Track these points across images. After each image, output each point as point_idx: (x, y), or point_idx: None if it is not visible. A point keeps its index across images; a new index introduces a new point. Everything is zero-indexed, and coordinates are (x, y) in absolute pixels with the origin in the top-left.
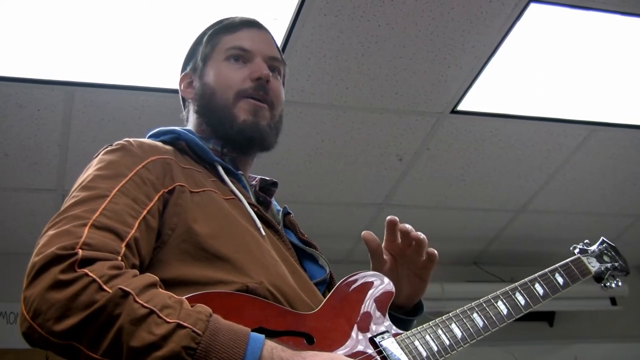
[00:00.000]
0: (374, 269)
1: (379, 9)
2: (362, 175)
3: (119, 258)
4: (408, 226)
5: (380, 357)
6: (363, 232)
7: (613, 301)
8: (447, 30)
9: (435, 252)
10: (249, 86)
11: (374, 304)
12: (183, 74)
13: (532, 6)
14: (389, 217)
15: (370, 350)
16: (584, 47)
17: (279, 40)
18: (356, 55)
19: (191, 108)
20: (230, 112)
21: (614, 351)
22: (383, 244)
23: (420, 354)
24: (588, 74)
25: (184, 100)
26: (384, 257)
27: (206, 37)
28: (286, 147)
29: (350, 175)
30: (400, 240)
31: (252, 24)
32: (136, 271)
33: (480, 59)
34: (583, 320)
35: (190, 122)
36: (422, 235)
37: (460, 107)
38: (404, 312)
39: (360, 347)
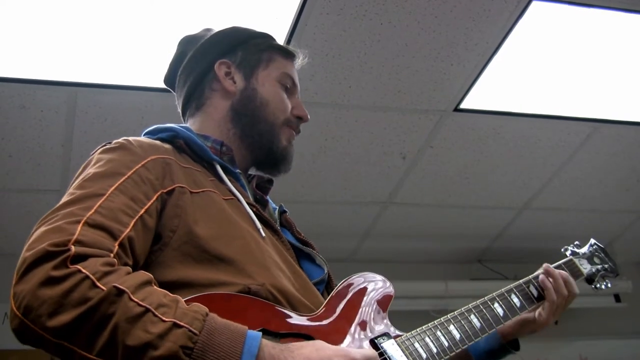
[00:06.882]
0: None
1: (382, 7)
2: (366, 174)
3: (111, 256)
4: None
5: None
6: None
7: (617, 298)
8: (449, 28)
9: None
10: (294, 120)
11: (375, 306)
12: (222, 60)
13: (535, 4)
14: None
15: None
16: (586, 44)
17: (281, 39)
18: (359, 54)
19: (220, 98)
20: (276, 131)
21: (619, 348)
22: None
23: (420, 355)
24: (591, 71)
25: (201, 80)
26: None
27: (260, 43)
28: None
29: (354, 173)
30: (565, 293)
31: (296, 59)
32: (129, 268)
33: (483, 57)
34: (587, 318)
35: (211, 108)
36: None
37: (463, 105)
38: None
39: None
